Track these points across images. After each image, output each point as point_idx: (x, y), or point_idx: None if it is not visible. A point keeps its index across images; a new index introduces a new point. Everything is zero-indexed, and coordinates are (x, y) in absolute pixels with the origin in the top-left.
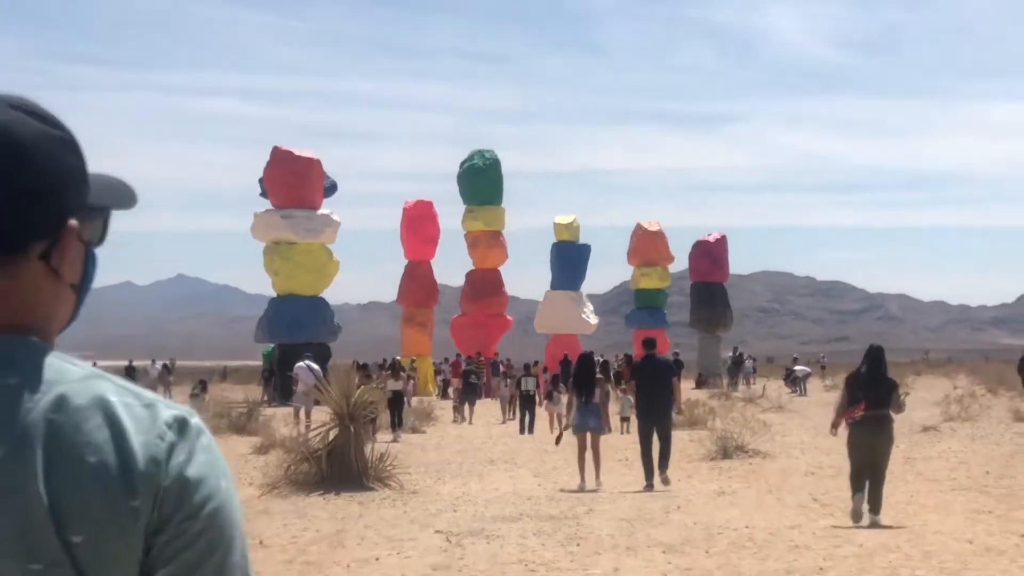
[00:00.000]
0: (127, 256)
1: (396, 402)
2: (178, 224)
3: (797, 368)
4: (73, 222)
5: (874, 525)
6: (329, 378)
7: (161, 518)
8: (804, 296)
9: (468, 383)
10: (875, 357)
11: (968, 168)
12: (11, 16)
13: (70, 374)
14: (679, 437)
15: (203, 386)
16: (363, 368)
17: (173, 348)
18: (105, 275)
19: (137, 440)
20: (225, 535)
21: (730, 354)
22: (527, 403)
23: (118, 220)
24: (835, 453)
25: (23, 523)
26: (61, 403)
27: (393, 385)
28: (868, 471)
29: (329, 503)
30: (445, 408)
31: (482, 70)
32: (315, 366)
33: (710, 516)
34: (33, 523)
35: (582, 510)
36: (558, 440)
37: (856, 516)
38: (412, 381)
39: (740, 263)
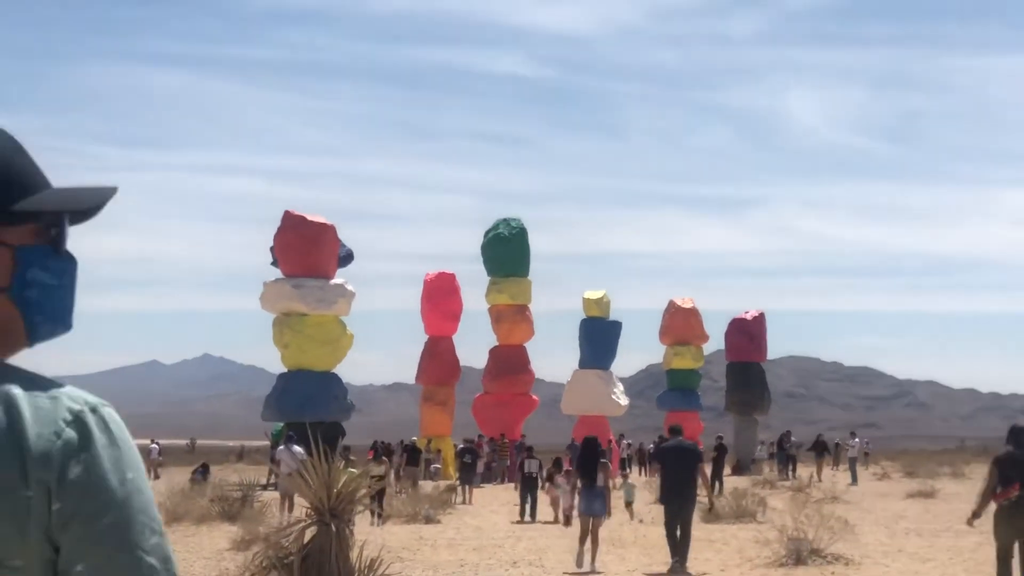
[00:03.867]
0: (153, 334)
1: (379, 490)
2: (204, 303)
3: (854, 442)
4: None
5: None
6: (306, 464)
7: (63, 517)
8: (831, 381)
9: (464, 463)
10: (1022, 435)
11: (995, 254)
12: (35, 96)
13: None
14: (731, 532)
15: (205, 469)
16: (345, 450)
17: (197, 427)
18: (131, 354)
19: (33, 432)
20: (132, 528)
21: (763, 439)
22: (529, 485)
23: (146, 300)
24: (931, 560)
25: None
26: None
27: (376, 470)
28: (1012, 553)
29: None
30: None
31: (502, 152)
32: (299, 448)
33: None
34: None
35: None
36: (567, 521)
37: None
38: (435, 464)
39: None
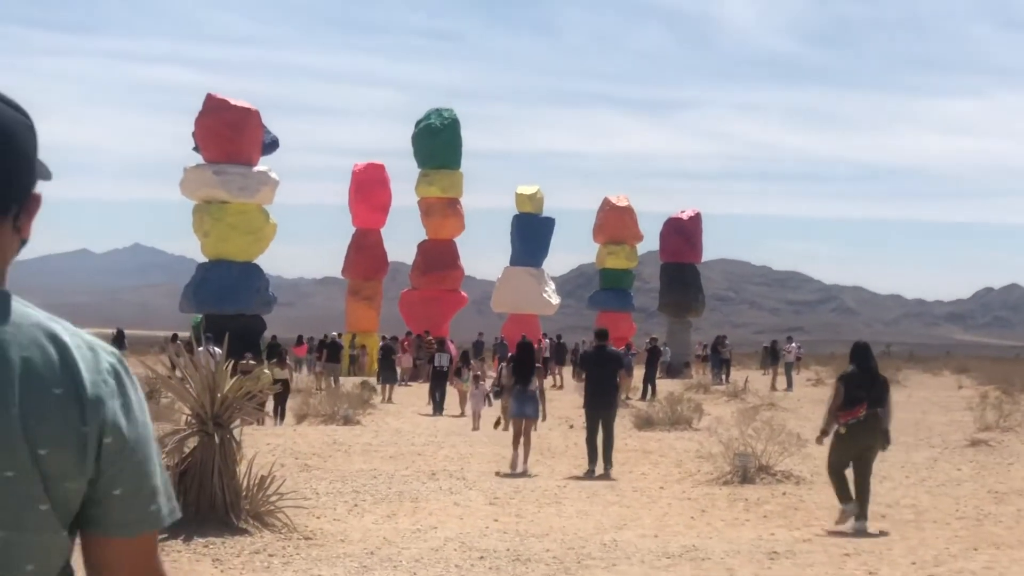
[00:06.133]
0: (83, 223)
1: (280, 393)
2: (136, 193)
3: (791, 346)
4: (37, 192)
5: (860, 532)
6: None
7: (108, 442)
8: (760, 285)
9: (387, 360)
10: (865, 354)
11: (925, 163)
12: None
13: (32, 317)
14: (668, 442)
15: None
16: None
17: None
18: (61, 242)
19: (88, 379)
20: (155, 456)
21: (700, 344)
22: (439, 380)
23: (77, 189)
24: (887, 479)
25: (2, 439)
26: (30, 343)
27: (279, 374)
28: (848, 472)
29: (170, 555)
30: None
31: (437, 47)
32: (217, 350)
33: None
34: (10, 439)
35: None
36: (497, 423)
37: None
38: (360, 360)
39: None
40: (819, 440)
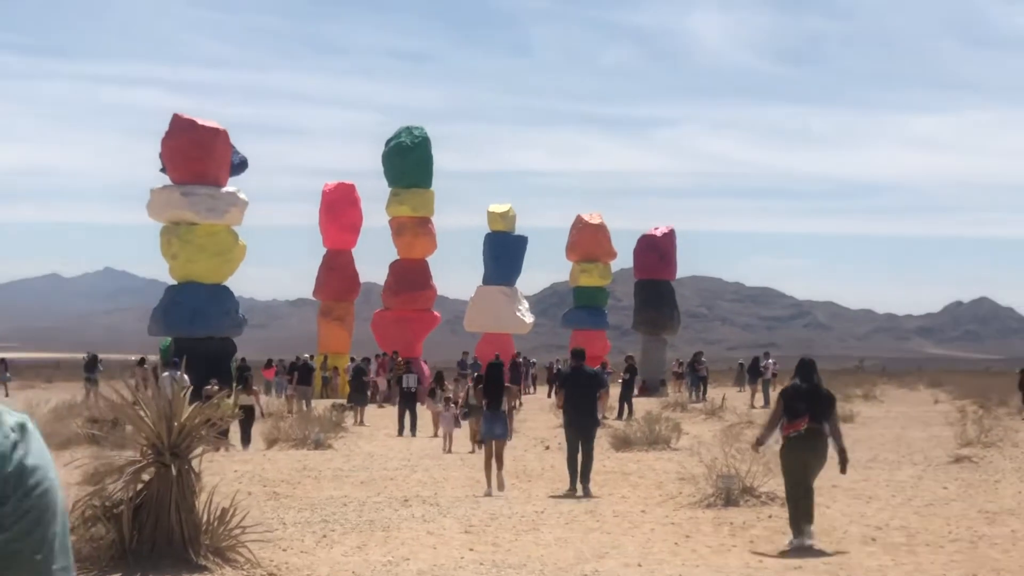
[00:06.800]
0: (53, 247)
1: (246, 418)
2: (107, 216)
3: (768, 362)
4: None
5: (800, 549)
6: (147, 392)
7: (3, 495)
8: (733, 302)
9: (358, 382)
10: (809, 369)
11: (895, 179)
12: None
13: None
14: (647, 463)
15: (93, 362)
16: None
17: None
18: (31, 266)
19: None
20: (50, 511)
21: (676, 361)
22: (408, 401)
23: (47, 212)
24: (874, 499)
25: None
26: None
27: (245, 400)
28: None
29: None
30: (375, 415)
31: (407, 68)
32: (182, 375)
33: None
34: None
35: None
36: (449, 447)
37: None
38: (333, 382)
39: None
40: (754, 448)
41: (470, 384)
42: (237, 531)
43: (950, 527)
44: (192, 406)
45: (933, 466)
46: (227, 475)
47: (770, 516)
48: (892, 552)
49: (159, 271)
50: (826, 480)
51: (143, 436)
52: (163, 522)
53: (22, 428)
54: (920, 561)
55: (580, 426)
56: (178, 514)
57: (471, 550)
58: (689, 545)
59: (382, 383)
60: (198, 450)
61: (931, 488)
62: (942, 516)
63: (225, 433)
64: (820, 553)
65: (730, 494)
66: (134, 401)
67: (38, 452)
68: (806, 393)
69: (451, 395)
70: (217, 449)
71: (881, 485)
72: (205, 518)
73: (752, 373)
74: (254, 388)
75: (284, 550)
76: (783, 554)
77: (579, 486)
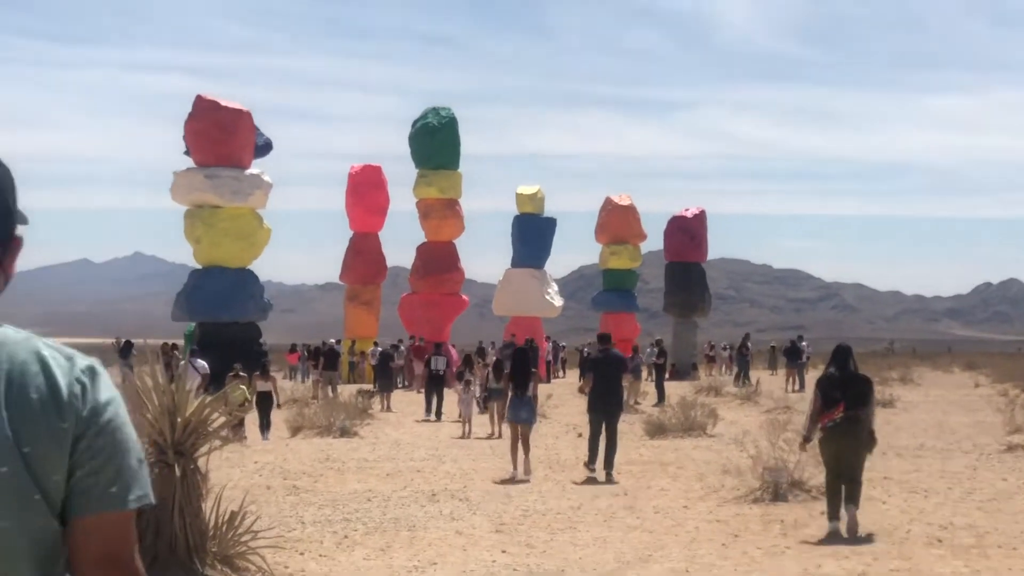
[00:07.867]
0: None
1: (264, 405)
2: (136, 202)
3: (802, 345)
4: (19, 234)
5: (852, 537)
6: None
7: (78, 433)
8: (761, 284)
9: (384, 367)
10: (845, 355)
11: (923, 160)
12: None
13: (14, 337)
14: (685, 452)
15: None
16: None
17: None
18: (61, 252)
19: (63, 382)
20: (122, 444)
21: (708, 344)
22: (435, 384)
23: (77, 198)
24: (932, 494)
25: None
26: (12, 358)
27: (262, 386)
28: (843, 481)
29: None
30: (403, 402)
31: (431, 51)
32: (202, 363)
33: None
34: (1, 440)
35: None
36: (467, 431)
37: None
38: (360, 367)
39: None
40: (802, 447)
41: (489, 369)
42: (247, 536)
43: (1020, 525)
44: (198, 400)
45: (986, 455)
46: (247, 467)
47: (822, 513)
48: (962, 556)
49: (188, 256)
50: (878, 472)
51: (144, 433)
52: (165, 529)
53: (92, 371)
54: (996, 567)
55: (603, 410)
56: (182, 519)
57: (503, 552)
58: (739, 546)
59: (419, 367)
60: (204, 448)
61: (989, 480)
62: (1008, 512)
63: (240, 423)
64: (883, 556)
65: (778, 488)
66: (134, 396)
67: (108, 392)
68: (840, 381)
69: (470, 378)
70: (228, 441)
71: (935, 476)
72: (212, 523)
73: (790, 356)
74: (271, 374)
75: (301, 554)
76: (843, 558)
77: (601, 473)
